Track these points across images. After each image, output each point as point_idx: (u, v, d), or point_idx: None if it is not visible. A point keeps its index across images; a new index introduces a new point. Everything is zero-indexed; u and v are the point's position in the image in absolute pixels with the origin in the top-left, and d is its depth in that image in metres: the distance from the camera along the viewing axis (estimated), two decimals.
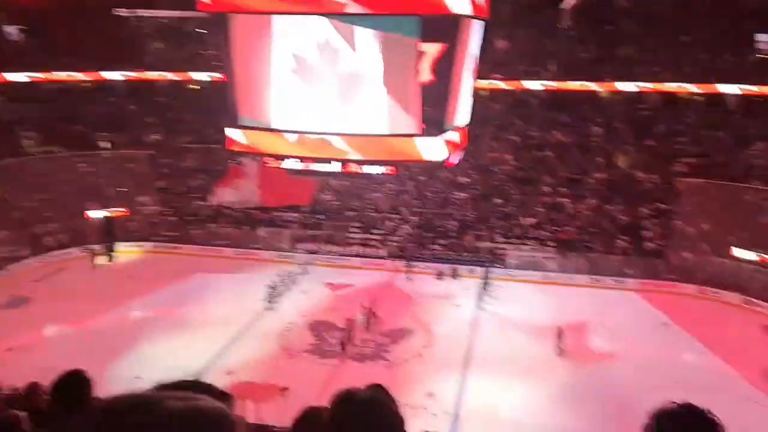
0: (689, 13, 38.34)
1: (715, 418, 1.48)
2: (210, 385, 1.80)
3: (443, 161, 14.48)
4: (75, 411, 2.78)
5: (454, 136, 14.19)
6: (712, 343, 25.00)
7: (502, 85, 39.12)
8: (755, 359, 23.67)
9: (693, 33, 38.74)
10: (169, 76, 42.88)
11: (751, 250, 30.12)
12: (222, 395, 1.84)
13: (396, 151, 13.66)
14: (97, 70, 42.22)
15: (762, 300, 28.62)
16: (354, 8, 12.20)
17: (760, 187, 32.91)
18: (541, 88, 39.09)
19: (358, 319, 25.83)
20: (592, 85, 38.41)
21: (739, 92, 36.00)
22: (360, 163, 14.14)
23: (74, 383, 2.93)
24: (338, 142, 13.65)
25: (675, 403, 1.52)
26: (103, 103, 42.92)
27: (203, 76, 42.00)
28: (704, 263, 30.91)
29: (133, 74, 42.53)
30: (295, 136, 14.00)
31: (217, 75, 37.46)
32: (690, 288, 30.29)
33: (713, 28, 38.40)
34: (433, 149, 13.34)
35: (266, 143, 14.50)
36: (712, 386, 21.01)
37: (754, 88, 35.53)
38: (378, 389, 1.79)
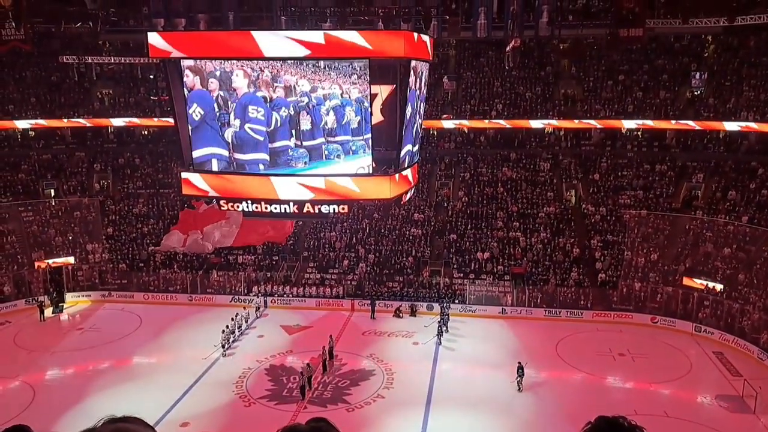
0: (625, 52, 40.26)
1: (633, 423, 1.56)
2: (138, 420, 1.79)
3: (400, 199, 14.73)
4: None
5: (405, 174, 14.41)
6: (668, 371, 25.59)
7: (451, 124, 39.95)
8: (709, 385, 24.51)
9: (630, 72, 40.67)
10: (117, 121, 42.26)
11: (698, 278, 31.08)
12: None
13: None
14: (43, 117, 41.38)
15: (711, 327, 29.46)
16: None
17: (701, 217, 34.21)
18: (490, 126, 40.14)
19: (316, 361, 25.45)
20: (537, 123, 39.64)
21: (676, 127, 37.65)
22: (313, 203, 14.15)
23: None
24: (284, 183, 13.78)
25: (600, 417, 1.59)
26: (49, 150, 42.09)
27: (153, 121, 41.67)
28: (654, 292, 31.69)
29: (80, 120, 41.75)
30: (239, 177, 14.06)
31: (166, 120, 37.11)
32: (643, 317, 30.96)
33: (650, 67, 40.40)
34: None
35: (216, 186, 14.42)
36: (670, 413, 21.56)
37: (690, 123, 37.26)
38: (321, 422, 1.78)
